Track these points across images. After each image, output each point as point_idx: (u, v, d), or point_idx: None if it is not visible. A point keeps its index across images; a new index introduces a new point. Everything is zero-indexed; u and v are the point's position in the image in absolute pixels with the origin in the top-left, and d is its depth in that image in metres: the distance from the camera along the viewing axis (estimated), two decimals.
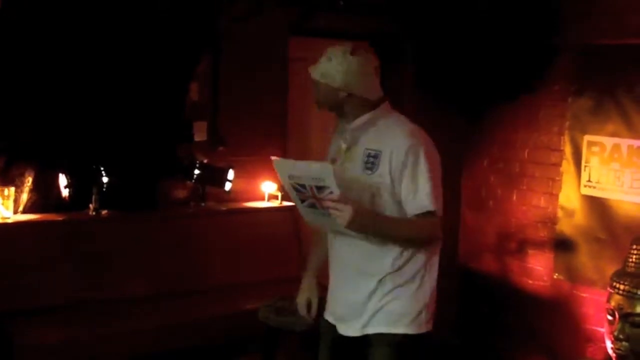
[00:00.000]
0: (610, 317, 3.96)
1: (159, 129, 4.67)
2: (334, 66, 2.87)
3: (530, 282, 5.35)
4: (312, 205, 2.78)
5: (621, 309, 3.87)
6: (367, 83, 2.92)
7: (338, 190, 2.62)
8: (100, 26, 4.32)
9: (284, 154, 5.38)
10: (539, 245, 5.29)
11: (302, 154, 5.62)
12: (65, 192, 4.50)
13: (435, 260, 2.97)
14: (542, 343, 5.13)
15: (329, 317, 3.09)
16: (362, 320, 2.91)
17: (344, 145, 2.96)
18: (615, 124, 4.73)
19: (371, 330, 2.91)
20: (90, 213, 4.48)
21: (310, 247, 3.37)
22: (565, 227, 5.07)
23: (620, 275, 3.98)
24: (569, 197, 5.03)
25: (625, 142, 4.67)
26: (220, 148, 5.03)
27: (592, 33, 4.85)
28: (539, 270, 5.30)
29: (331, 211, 2.67)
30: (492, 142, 5.64)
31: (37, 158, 4.44)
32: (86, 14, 4.27)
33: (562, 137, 5.10)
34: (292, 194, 2.82)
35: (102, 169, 4.46)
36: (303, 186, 2.73)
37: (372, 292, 2.89)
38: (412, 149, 2.79)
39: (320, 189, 2.67)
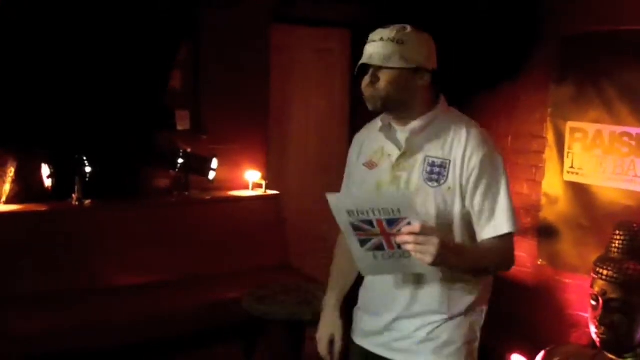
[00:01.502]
0: (593, 303, 3.98)
1: (140, 118, 4.65)
2: (410, 47, 2.39)
3: (514, 268, 5.36)
4: (378, 248, 2.23)
5: (604, 294, 3.89)
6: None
7: (418, 220, 2.13)
8: (80, 15, 4.28)
9: (266, 142, 5.38)
10: (523, 232, 5.29)
11: (284, 142, 5.62)
12: (48, 182, 4.48)
13: (491, 282, 2.64)
14: (525, 329, 5.15)
15: (361, 340, 2.66)
16: (406, 344, 2.52)
17: (395, 151, 2.49)
18: (597, 111, 4.74)
19: (416, 359, 2.52)
20: (74, 203, 4.47)
21: (332, 268, 2.79)
22: (548, 213, 5.09)
23: (603, 260, 4.00)
24: (552, 184, 5.04)
25: (607, 129, 4.68)
26: (203, 137, 5.01)
27: (575, 21, 4.85)
28: (522, 256, 5.31)
29: (410, 247, 2.14)
30: None
31: (19, 148, 4.42)
32: (64, 2, 4.24)
33: (544, 125, 5.10)
34: (350, 235, 2.23)
35: (84, 158, 4.45)
36: (368, 222, 2.17)
37: (426, 323, 2.50)
38: (488, 158, 2.40)
39: (392, 222, 2.15)
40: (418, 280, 2.46)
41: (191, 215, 4.84)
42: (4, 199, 4.40)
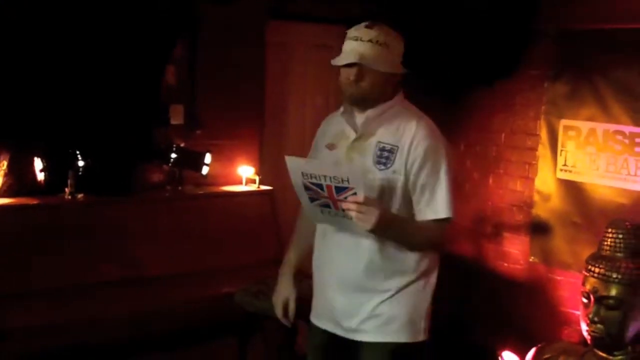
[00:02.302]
0: (585, 300, 4.00)
1: (135, 112, 4.63)
2: (393, 51, 2.70)
3: (506, 265, 5.38)
4: (325, 205, 2.59)
5: (596, 291, 3.91)
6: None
7: (363, 192, 2.46)
8: (78, 9, 4.27)
9: (260, 138, 5.37)
10: (515, 228, 5.32)
11: (279, 138, 5.61)
12: (40, 176, 4.46)
13: (436, 265, 2.85)
14: (517, 326, 5.17)
15: (318, 321, 2.93)
16: (353, 323, 2.76)
17: (352, 134, 2.75)
18: (591, 109, 4.76)
19: (364, 337, 2.75)
20: (66, 197, 4.44)
21: (291, 236, 3.11)
22: (541, 210, 5.11)
23: (595, 258, 4.02)
24: (545, 181, 5.06)
25: (600, 127, 4.70)
26: (197, 132, 5.00)
27: (570, 18, 4.87)
28: (514, 253, 5.33)
29: (353, 214, 2.47)
30: (468, 126, 5.65)
31: (12, 142, 4.40)
32: None
33: (538, 122, 5.12)
34: (301, 192, 2.60)
35: (78, 152, 4.43)
36: (319, 185, 2.53)
37: (368, 299, 2.73)
38: (432, 148, 2.66)
39: (340, 189, 2.48)
40: (359, 256, 2.70)
41: (184, 210, 4.82)
42: None
